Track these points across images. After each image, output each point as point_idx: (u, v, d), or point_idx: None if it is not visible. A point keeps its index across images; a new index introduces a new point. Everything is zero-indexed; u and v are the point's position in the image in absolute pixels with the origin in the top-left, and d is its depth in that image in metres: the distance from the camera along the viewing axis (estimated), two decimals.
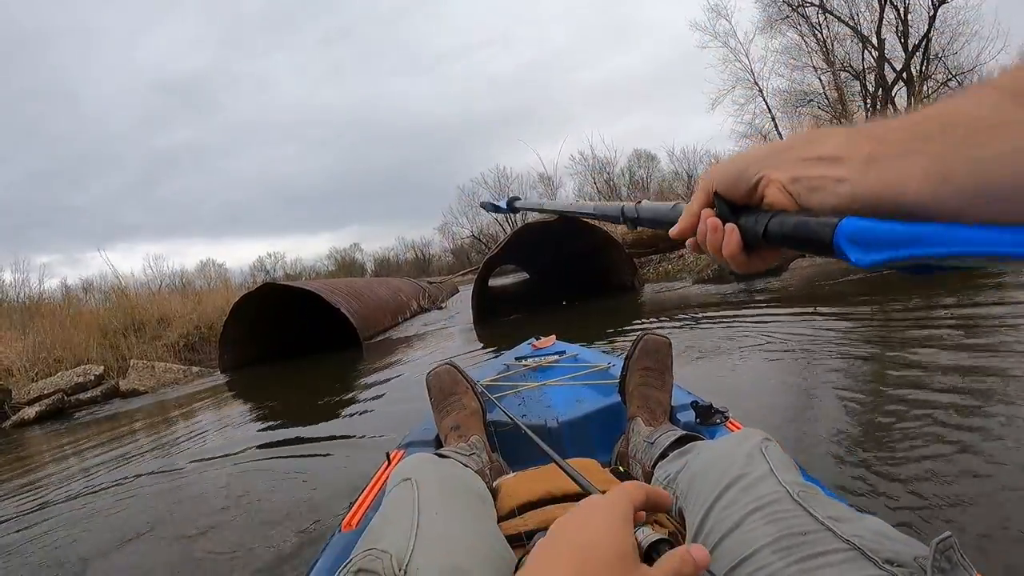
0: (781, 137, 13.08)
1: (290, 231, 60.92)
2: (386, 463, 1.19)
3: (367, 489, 1.12)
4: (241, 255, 60.65)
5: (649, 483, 0.89)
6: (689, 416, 1.18)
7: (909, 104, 10.04)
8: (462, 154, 58.10)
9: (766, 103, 13.85)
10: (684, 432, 1.00)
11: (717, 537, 0.58)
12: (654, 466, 0.94)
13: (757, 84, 14.12)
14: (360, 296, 8.61)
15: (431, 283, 15.18)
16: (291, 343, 8.49)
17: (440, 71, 72.13)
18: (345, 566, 0.55)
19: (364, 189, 58.74)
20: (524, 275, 18.32)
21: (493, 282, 19.03)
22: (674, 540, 0.57)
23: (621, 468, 1.08)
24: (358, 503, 1.07)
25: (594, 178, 11.92)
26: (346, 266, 37.03)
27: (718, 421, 1.14)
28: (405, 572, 0.52)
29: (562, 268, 11.69)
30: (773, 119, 13.78)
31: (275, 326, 8.37)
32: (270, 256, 36.20)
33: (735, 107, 14.28)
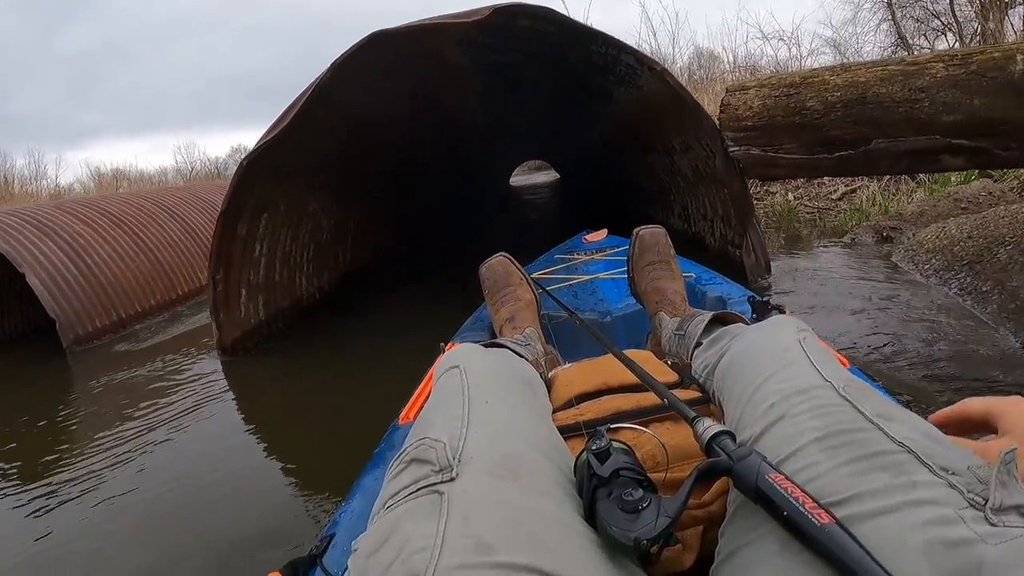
0: (901, 33, 10.03)
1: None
2: (440, 356, 1.19)
3: (423, 383, 1.11)
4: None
5: (690, 375, 0.86)
6: (745, 309, 1.17)
7: None
8: None
9: None
10: (713, 314, 0.94)
11: (757, 431, 0.54)
12: (691, 357, 0.89)
13: None
14: (142, 233, 4.24)
15: None
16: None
17: None
18: (398, 457, 0.54)
19: None
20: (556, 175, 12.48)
21: (522, 180, 12.69)
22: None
23: (676, 362, 1.05)
24: (414, 397, 1.07)
25: None
26: None
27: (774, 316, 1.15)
28: (459, 460, 0.50)
29: (588, 167, 6.77)
30: (890, 4, 9.85)
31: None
32: None
33: None
